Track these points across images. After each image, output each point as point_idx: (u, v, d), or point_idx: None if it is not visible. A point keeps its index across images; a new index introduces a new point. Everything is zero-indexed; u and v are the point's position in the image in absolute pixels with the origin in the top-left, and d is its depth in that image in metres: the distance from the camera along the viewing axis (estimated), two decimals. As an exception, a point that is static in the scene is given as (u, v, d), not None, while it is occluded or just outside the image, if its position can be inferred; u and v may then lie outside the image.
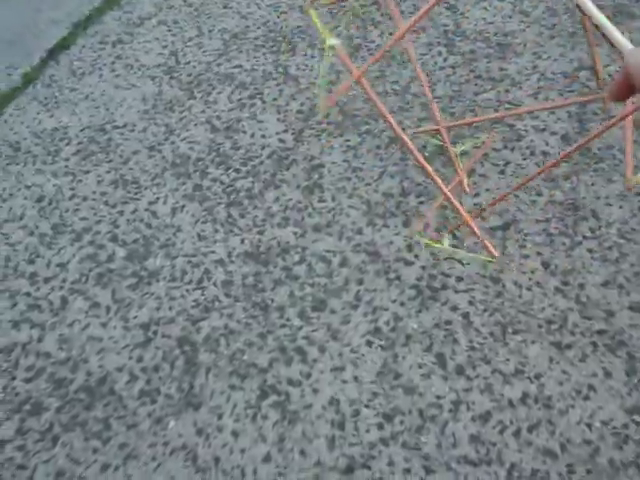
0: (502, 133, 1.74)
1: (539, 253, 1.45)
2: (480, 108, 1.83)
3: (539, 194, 1.58)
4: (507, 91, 1.87)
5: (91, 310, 1.48)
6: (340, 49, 1.03)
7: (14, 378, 1.38)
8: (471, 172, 1.65)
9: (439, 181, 1.21)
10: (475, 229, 1.29)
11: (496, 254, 1.35)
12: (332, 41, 1.00)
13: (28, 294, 1.53)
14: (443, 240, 1.45)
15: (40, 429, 1.29)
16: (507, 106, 1.82)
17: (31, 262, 1.60)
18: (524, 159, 1.68)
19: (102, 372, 1.36)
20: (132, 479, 1.19)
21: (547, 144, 1.70)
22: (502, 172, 1.65)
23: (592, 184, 1.59)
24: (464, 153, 1.69)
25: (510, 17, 2.16)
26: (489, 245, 1.34)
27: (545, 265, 1.43)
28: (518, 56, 2.00)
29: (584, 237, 1.47)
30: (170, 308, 1.46)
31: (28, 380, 1.37)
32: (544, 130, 1.74)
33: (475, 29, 2.14)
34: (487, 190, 1.60)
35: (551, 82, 1.89)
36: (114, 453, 1.24)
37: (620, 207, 1.53)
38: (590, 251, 1.44)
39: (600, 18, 0.49)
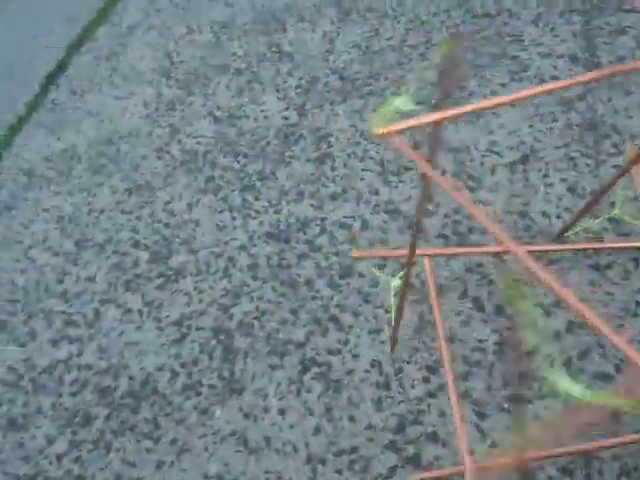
0: (506, 67, 1.67)
1: (563, 179, 1.39)
2: (482, 45, 1.77)
3: (555, 120, 1.52)
4: (506, 24, 1.81)
5: (124, 316, 1.48)
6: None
7: (60, 395, 1.39)
8: (482, 110, 1.59)
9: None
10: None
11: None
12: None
13: (62, 312, 1.54)
14: None
15: (92, 439, 1.30)
16: (508, 39, 1.76)
17: (60, 281, 1.61)
18: (534, 89, 1.61)
19: (143, 374, 1.36)
20: (188, 472, 1.19)
21: (555, 68, 1.63)
22: (514, 105, 1.59)
23: (609, 100, 1.52)
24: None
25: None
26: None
27: (571, 190, 1.37)
28: (512, -13, 1.92)
29: (608, 154, 1.40)
30: (200, 301, 1.45)
31: (74, 394, 1.38)
32: (550, 55, 1.67)
33: (464, -31, 2.07)
34: (501, 126, 1.54)
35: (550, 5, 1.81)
36: (166, 450, 1.23)
37: (642, 117, 1.45)
38: (616, 167, 1.37)
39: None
